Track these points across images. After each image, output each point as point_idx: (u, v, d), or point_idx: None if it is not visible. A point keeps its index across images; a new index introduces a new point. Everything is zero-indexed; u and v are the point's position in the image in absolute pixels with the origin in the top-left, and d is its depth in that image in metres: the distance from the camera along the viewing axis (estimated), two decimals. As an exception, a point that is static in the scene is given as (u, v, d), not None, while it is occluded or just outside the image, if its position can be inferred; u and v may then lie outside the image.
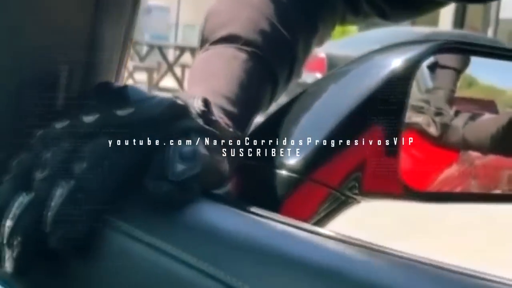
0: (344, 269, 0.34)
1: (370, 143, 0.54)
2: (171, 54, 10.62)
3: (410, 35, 7.37)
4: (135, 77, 9.50)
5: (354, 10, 0.71)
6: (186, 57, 9.18)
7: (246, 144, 0.57)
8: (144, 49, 10.56)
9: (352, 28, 10.98)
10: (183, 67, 9.42)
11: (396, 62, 0.55)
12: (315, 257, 0.35)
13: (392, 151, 0.54)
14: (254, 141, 0.58)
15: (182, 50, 9.51)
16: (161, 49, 9.77)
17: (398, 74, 0.55)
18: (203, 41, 0.62)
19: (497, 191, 0.75)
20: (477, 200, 0.69)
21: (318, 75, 6.45)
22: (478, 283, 0.32)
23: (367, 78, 0.55)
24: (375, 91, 0.54)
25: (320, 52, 6.83)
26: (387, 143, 0.54)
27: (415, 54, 0.55)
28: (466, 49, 0.65)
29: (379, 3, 0.70)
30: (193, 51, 9.23)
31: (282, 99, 0.64)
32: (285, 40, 0.61)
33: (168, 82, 9.21)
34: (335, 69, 0.61)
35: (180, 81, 9.06)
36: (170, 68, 9.18)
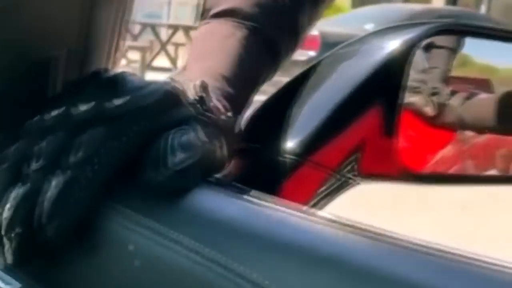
0: (343, 254, 0.34)
1: (368, 125, 0.54)
2: (164, 33, 10.55)
3: (403, 13, 7.36)
4: (128, 56, 9.45)
5: None
6: (179, 36, 9.13)
7: (245, 127, 0.57)
8: (137, 28, 10.49)
9: (346, 6, 10.93)
10: (176, 45, 9.37)
11: (393, 44, 0.55)
12: (314, 242, 0.35)
13: (390, 133, 0.54)
14: (253, 124, 0.58)
15: (175, 28, 9.46)
16: (153, 28, 9.71)
17: (396, 56, 0.55)
18: (205, 12, 0.62)
19: (493, 172, 0.76)
20: (472, 182, 0.69)
21: (312, 53, 6.44)
22: (477, 269, 0.32)
23: (364, 61, 0.55)
24: (373, 73, 0.54)
25: (314, 30, 6.80)
26: (385, 125, 0.54)
27: (412, 36, 0.56)
28: (461, 30, 0.65)
29: None
30: (186, 29, 9.18)
31: (276, 78, 0.64)
32: (288, 10, 0.60)
33: (162, 61, 9.16)
34: (333, 50, 0.61)
35: (173, 60, 9.02)
36: (163, 47, 9.14)
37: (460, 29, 0.66)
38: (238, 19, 0.58)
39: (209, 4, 0.61)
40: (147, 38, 9.93)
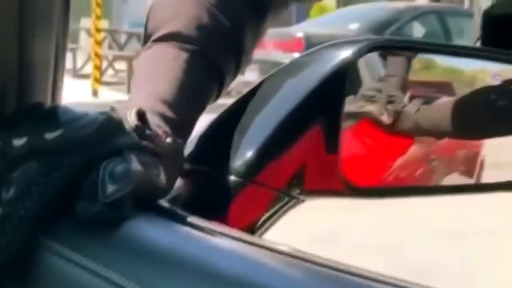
0: (274, 285, 0.34)
1: (311, 142, 0.54)
2: (150, 42, 10.53)
3: (387, 11, 7.37)
4: (115, 66, 9.43)
5: None
6: (165, 44, 9.12)
7: (194, 148, 0.58)
8: (123, 37, 10.47)
9: (330, 5, 10.94)
10: (163, 54, 9.36)
11: (332, 61, 0.55)
12: (245, 271, 0.36)
13: (333, 148, 0.54)
14: (201, 145, 0.58)
15: (160, 37, 9.44)
16: (140, 37, 9.69)
17: (334, 72, 0.55)
18: (146, 37, 0.62)
19: (453, 179, 0.76)
20: (423, 193, 0.69)
21: (297, 55, 6.42)
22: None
23: (305, 79, 0.55)
24: (313, 91, 0.54)
25: (298, 31, 6.81)
26: (328, 141, 0.54)
27: (350, 52, 0.56)
28: (402, 46, 0.65)
29: None
30: (171, 37, 9.17)
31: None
32: (229, 32, 0.60)
33: (149, 70, 9.14)
34: (279, 67, 0.61)
35: (160, 68, 9.01)
36: (150, 55, 9.12)
37: (400, 46, 0.66)
38: (180, 42, 0.58)
39: (150, 30, 0.61)
40: (133, 47, 9.91)
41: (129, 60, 8.56)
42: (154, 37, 0.60)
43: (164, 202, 0.48)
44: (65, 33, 0.50)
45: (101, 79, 8.46)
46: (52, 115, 0.44)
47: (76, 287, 0.38)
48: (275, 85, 0.58)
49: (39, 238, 0.41)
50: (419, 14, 7.45)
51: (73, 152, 0.42)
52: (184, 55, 0.57)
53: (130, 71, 8.44)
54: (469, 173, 0.83)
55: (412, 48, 0.66)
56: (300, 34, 6.61)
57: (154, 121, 0.50)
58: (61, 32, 0.49)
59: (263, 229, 0.54)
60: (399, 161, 0.75)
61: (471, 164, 0.82)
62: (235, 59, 0.61)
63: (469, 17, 8.05)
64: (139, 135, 0.46)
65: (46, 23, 0.48)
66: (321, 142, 0.54)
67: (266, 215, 0.54)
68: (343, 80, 0.55)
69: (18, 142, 0.42)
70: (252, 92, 0.60)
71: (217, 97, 0.61)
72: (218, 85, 0.59)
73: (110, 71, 9.51)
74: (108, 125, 0.44)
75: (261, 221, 0.54)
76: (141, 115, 0.47)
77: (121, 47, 9.93)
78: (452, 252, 2.76)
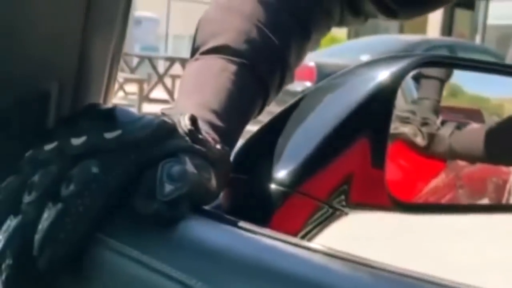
0: (331, 283, 0.34)
1: (357, 155, 0.54)
2: (161, 65, 10.61)
3: (399, 43, 7.41)
4: (125, 88, 9.49)
5: (354, 11, 0.70)
6: (176, 68, 9.18)
7: (236, 157, 0.58)
8: (135, 60, 10.55)
9: (341, 36, 11.02)
10: (173, 78, 9.41)
11: (381, 75, 0.56)
12: (303, 272, 0.36)
13: (379, 163, 0.55)
14: (244, 155, 0.58)
15: (172, 61, 9.51)
16: (151, 61, 9.77)
17: (383, 87, 0.55)
18: (194, 50, 0.63)
19: (484, 202, 0.76)
20: (463, 211, 0.70)
21: (308, 84, 6.47)
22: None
23: (353, 92, 0.56)
24: (361, 105, 0.55)
25: (310, 61, 6.85)
26: (374, 155, 0.55)
27: (399, 67, 0.56)
28: (449, 62, 0.66)
29: (386, 0, 0.68)
30: (183, 61, 9.23)
31: (271, 108, 0.65)
32: (276, 48, 0.62)
33: (159, 93, 9.20)
34: (322, 82, 0.62)
35: (170, 92, 9.05)
36: (161, 79, 9.18)
37: (447, 61, 0.67)
38: (228, 55, 0.59)
39: (198, 43, 0.62)
40: (145, 70, 9.98)
41: (140, 83, 8.62)
42: (202, 49, 0.61)
43: (209, 208, 0.48)
44: (122, 38, 0.51)
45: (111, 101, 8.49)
46: (111, 116, 0.45)
47: (133, 282, 0.38)
48: (319, 97, 0.59)
49: (96, 234, 0.41)
50: (431, 48, 7.49)
51: (131, 152, 0.43)
52: (231, 67, 0.58)
53: (141, 94, 8.51)
54: (497, 200, 0.83)
55: (461, 65, 0.66)
56: (312, 64, 6.65)
57: (203, 127, 0.51)
58: (119, 37, 0.50)
59: (306, 239, 0.54)
60: (431, 184, 0.76)
61: (500, 191, 0.83)
62: (280, 75, 0.62)
63: (480, 52, 8.11)
64: (191, 139, 0.46)
65: (107, 27, 0.49)
66: (367, 155, 0.54)
67: (309, 226, 0.54)
68: (391, 95, 0.56)
69: (77, 141, 0.43)
70: (294, 105, 0.60)
71: (260, 111, 0.61)
72: (263, 99, 0.60)
73: (121, 93, 9.56)
74: (164, 128, 0.45)
75: (304, 231, 0.54)
76: (193, 121, 0.48)
77: (132, 70, 10.00)
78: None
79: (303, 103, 0.59)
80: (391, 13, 0.70)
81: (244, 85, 0.58)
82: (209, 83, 0.57)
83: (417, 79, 0.73)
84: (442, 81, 0.79)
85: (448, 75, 0.78)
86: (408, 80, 0.72)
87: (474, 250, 3.39)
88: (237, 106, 0.57)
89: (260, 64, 0.60)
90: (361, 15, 0.71)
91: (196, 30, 0.64)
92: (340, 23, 0.71)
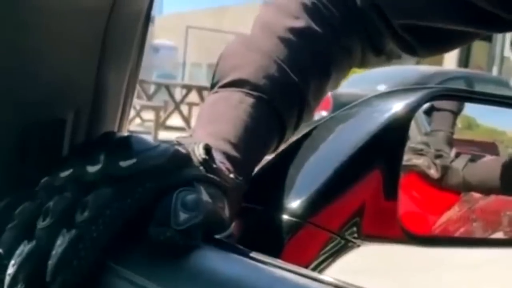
0: None
1: (370, 187, 0.55)
2: (178, 93, 10.69)
3: (415, 74, 7.41)
4: (142, 116, 9.55)
5: (376, 50, 0.70)
6: (193, 96, 9.24)
7: (248, 188, 0.58)
8: (152, 88, 10.63)
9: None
10: (190, 105, 9.47)
11: (395, 107, 0.56)
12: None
13: (391, 195, 0.55)
14: (256, 185, 0.59)
15: (189, 88, 9.58)
16: (168, 88, 9.85)
17: (397, 118, 0.56)
18: (214, 84, 0.64)
19: (498, 235, 0.76)
20: (477, 245, 0.69)
21: (324, 113, 6.48)
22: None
23: (366, 123, 0.56)
24: (374, 135, 0.55)
25: (326, 90, 6.84)
26: (386, 187, 0.55)
27: (413, 99, 0.57)
28: (463, 95, 0.66)
29: (407, 38, 0.68)
30: (199, 89, 9.29)
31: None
32: (295, 85, 0.62)
33: (175, 120, 9.25)
34: (336, 112, 0.62)
35: (186, 120, 9.10)
36: (177, 106, 9.24)
37: (461, 95, 0.67)
38: (247, 89, 0.59)
39: (217, 77, 0.63)
40: (161, 98, 10.05)
41: (156, 110, 8.67)
42: (221, 83, 0.62)
43: (222, 238, 0.48)
44: (138, 66, 0.51)
45: (128, 128, 8.53)
46: (126, 144, 0.45)
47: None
48: (333, 127, 0.59)
49: (108, 263, 0.41)
50: (448, 79, 7.48)
51: (146, 180, 0.43)
52: (249, 100, 0.59)
53: (157, 121, 8.55)
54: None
55: (474, 98, 0.66)
56: (328, 93, 6.66)
57: (217, 157, 0.51)
58: (135, 65, 0.51)
59: (317, 270, 0.54)
60: (444, 216, 0.75)
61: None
62: (298, 112, 0.62)
63: (496, 84, 8.08)
64: (206, 168, 0.47)
65: (124, 55, 0.49)
66: (380, 187, 0.54)
67: (321, 257, 0.54)
68: (405, 126, 0.56)
69: (93, 168, 0.43)
70: (308, 135, 0.60)
71: (277, 147, 0.62)
72: (279, 134, 0.61)
73: (138, 120, 9.62)
74: (178, 156, 0.45)
75: (315, 262, 0.54)
76: (207, 150, 0.48)
77: (149, 97, 10.07)
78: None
79: (316, 133, 0.59)
80: (412, 51, 0.70)
81: (261, 118, 0.58)
82: (225, 114, 0.58)
83: (428, 112, 0.73)
84: (455, 114, 0.79)
85: (460, 108, 0.78)
86: (421, 113, 0.72)
87: (487, 285, 3.34)
88: (252, 138, 0.57)
89: (278, 99, 0.60)
90: (382, 54, 0.71)
91: (217, 64, 0.65)
92: (362, 63, 0.71)
